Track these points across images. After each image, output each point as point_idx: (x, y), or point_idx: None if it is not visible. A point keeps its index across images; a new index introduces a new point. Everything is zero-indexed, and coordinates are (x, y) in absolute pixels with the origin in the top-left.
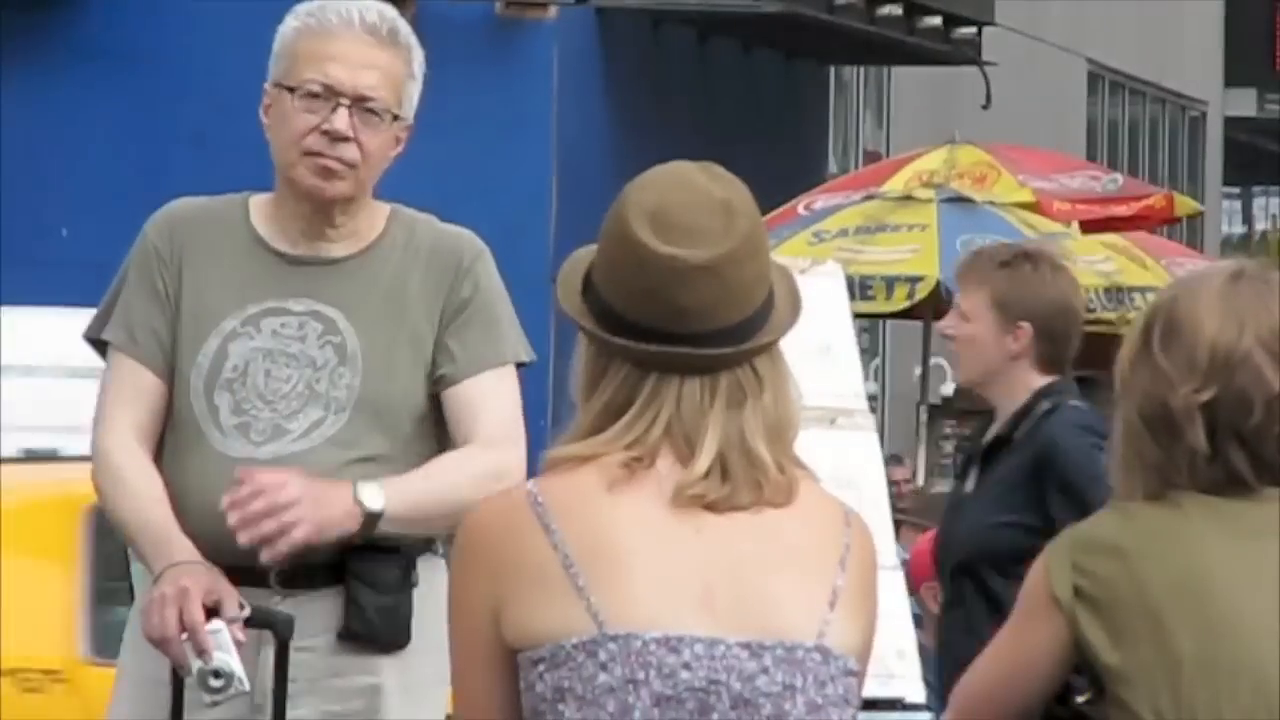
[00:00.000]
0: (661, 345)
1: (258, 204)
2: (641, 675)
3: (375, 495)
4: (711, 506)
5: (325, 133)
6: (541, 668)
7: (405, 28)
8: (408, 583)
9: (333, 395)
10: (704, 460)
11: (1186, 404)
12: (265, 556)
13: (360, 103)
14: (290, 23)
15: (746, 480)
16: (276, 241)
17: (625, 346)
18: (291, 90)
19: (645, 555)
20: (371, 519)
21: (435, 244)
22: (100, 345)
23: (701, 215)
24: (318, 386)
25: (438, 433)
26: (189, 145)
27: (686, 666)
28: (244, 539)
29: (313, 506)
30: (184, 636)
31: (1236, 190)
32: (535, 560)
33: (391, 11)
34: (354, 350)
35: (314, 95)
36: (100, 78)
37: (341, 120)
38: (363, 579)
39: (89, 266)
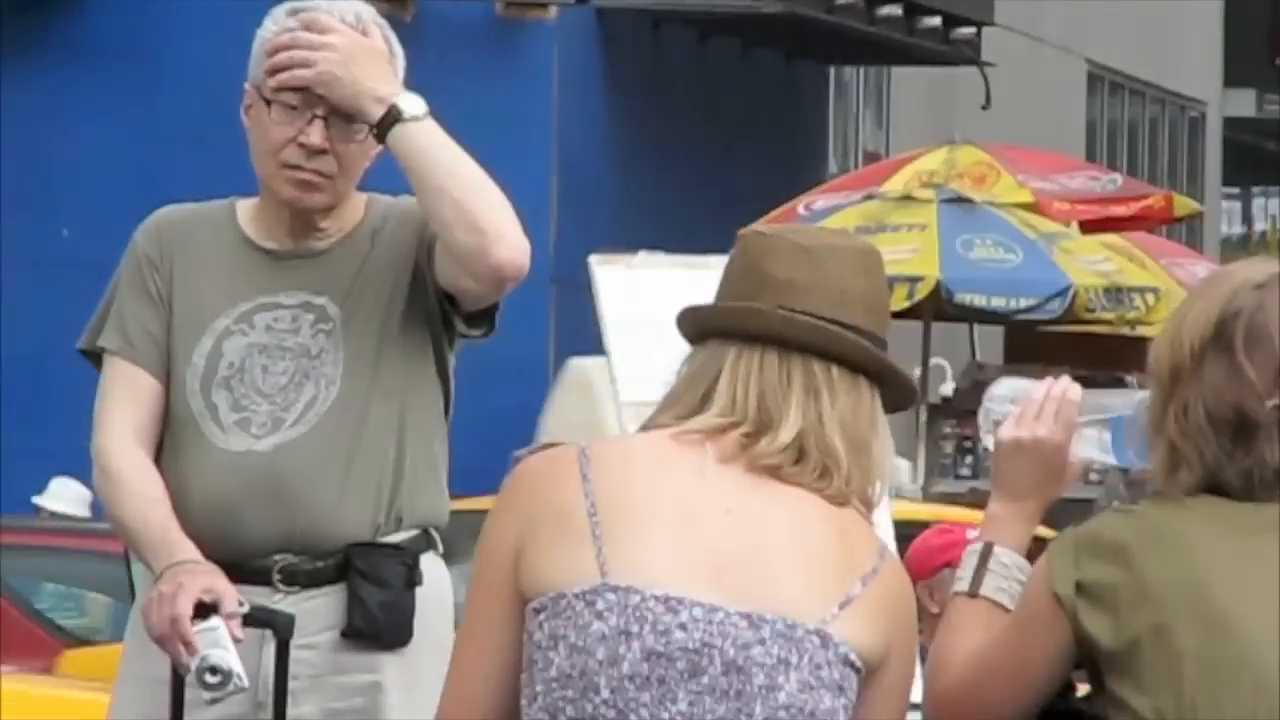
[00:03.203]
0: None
1: (244, 206)
2: (635, 628)
3: (415, 103)
4: (773, 472)
5: (301, 145)
6: (542, 617)
7: (382, 27)
8: (411, 580)
9: (322, 372)
10: (787, 432)
11: (1270, 417)
12: (273, 81)
13: (336, 112)
14: (269, 27)
15: (817, 464)
16: (264, 240)
17: (698, 311)
18: (268, 101)
19: (668, 520)
20: (394, 115)
21: (407, 208)
22: (95, 357)
23: (815, 229)
24: (311, 371)
25: (440, 383)
26: (189, 145)
27: (682, 627)
28: (266, 67)
29: (343, 59)
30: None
31: (1236, 190)
32: (565, 506)
33: (370, 12)
34: (340, 327)
35: (290, 107)
36: (100, 78)
37: (317, 134)
38: (366, 576)
39: (90, 266)
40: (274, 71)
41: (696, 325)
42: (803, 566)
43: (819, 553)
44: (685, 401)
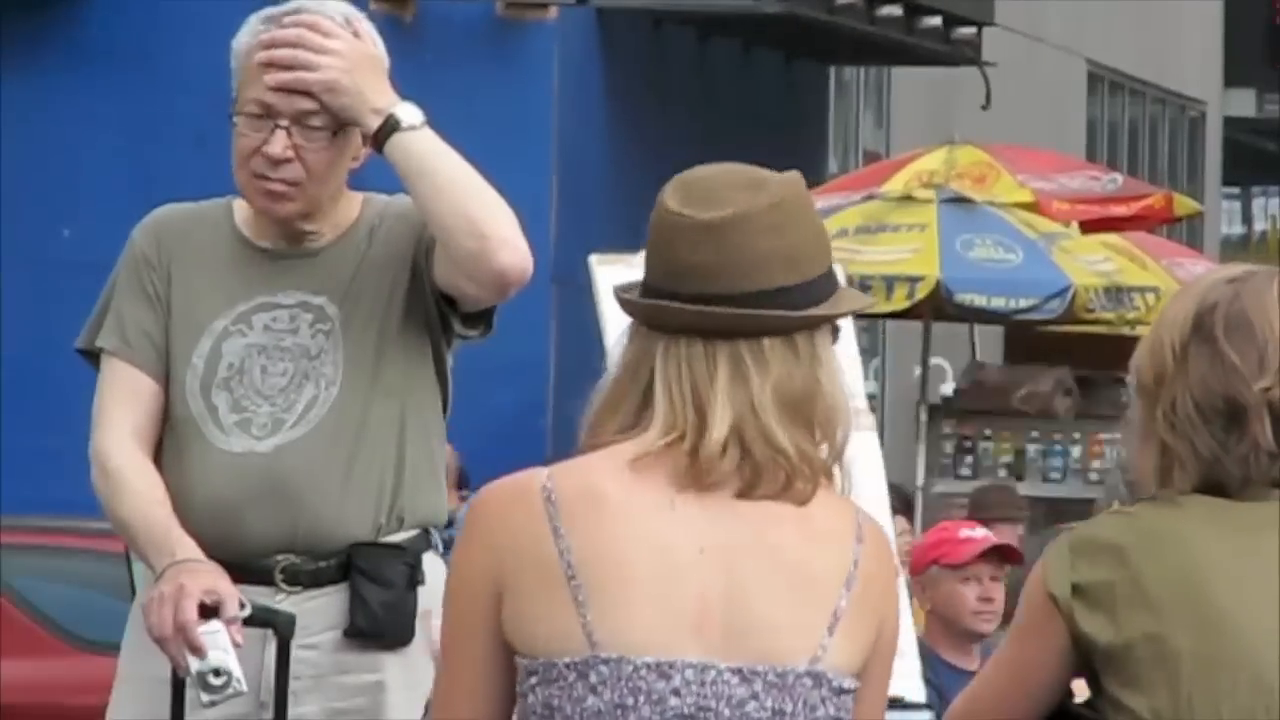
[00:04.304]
0: (657, 300)
1: (241, 206)
2: (631, 701)
3: (412, 112)
4: (742, 495)
5: (265, 155)
6: (534, 680)
7: (361, 23)
8: (413, 580)
9: (322, 372)
10: (719, 430)
11: (1259, 400)
12: (271, 80)
13: (299, 121)
14: (242, 37)
15: (769, 463)
16: (260, 240)
17: (626, 301)
18: (236, 112)
19: (646, 574)
20: (391, 124)
21: (404, 209)
22: (93, 356)
23: (726, 185)
24: (311, 371)
25: (438, 383)
26: (189, 145)
27: (676, 693)
28: (262, 59)
29: (348, 67)
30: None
31: (1236, 190)
32: (541, 558)
33: (342, 9)
34: (339, 327)
35: (255, 116)
36: (100, 78)
37: (278, 144)
38: (369, 575)
39: (90, 267)
40: (271, 66)
41: (623, 308)
42: (786, 598)
43: (799, 574)
44: (626, 406)
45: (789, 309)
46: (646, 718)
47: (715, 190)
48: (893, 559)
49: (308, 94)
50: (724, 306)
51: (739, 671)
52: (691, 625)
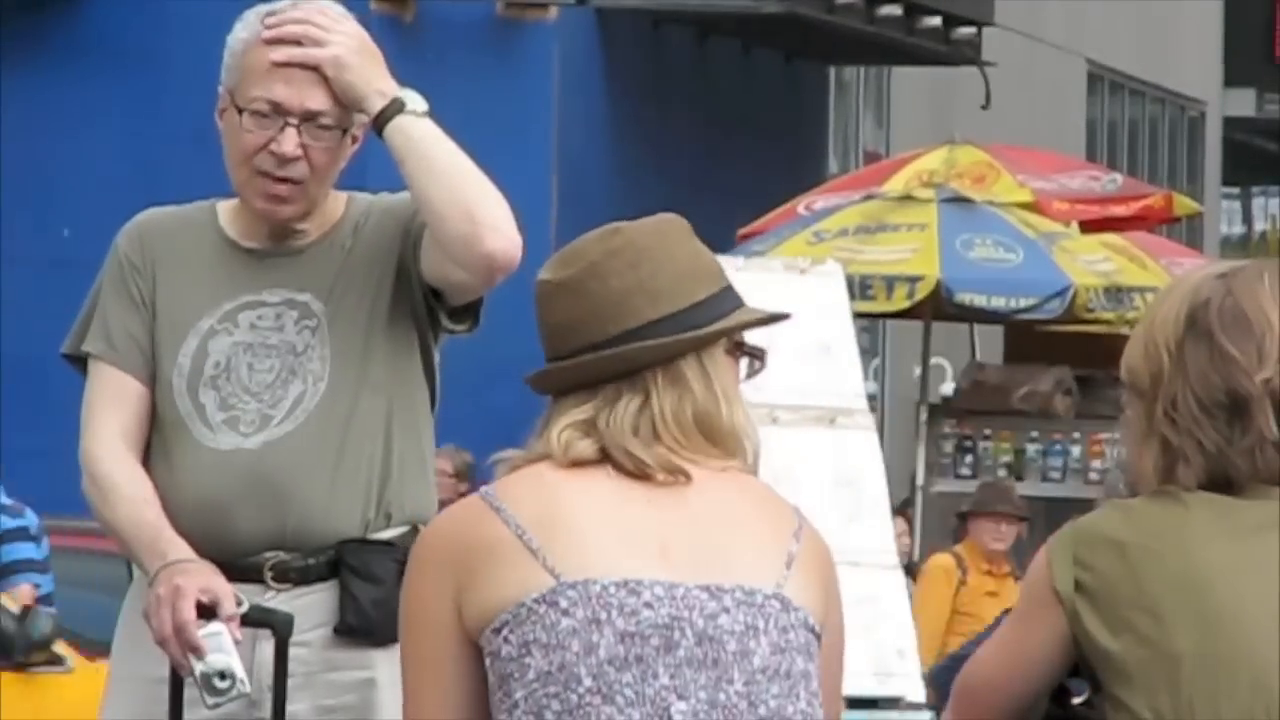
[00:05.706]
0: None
1: (225, 208)
2: (604, 615)
3: (417, 99)
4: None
5: (273, 153)
6: (505, 631)
7: (350, 20)
8: (402, 576)
9: (309, 369)
10: (554, 431)
11: (1261, 391)
12: (280, 55)
13: (309, 119)
14: (239, 33)
15: (627, 447)
16: (245, 240)
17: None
18: (240, 109)
19: (599, 519)
20: (396, 106)
21: (389, 204)
22: (80, 362)
23: (585, 242)
24: (298, 368)
25: (426, 379)
26: (189, 145)
27: (648, 605)
28: (269, 36)
29: (356, 48)
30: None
31: (1235, 190)
32: (489, 540)
33: (338, 10)
34: (325, 323)
35: (262, 115)
36: (100, 78)
37: (290, 142)
38: (358, 572)
39: (90, 266)
40: (278, 42)
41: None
42: (741, 533)
43: (748, 522)
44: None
45: (658, 338)
46: (621, 629)
47: (575, 250)
48: (831, 560)
49: (317, 89)
50: (591, 354)
51: (707, 588)
52: (655, 554)
